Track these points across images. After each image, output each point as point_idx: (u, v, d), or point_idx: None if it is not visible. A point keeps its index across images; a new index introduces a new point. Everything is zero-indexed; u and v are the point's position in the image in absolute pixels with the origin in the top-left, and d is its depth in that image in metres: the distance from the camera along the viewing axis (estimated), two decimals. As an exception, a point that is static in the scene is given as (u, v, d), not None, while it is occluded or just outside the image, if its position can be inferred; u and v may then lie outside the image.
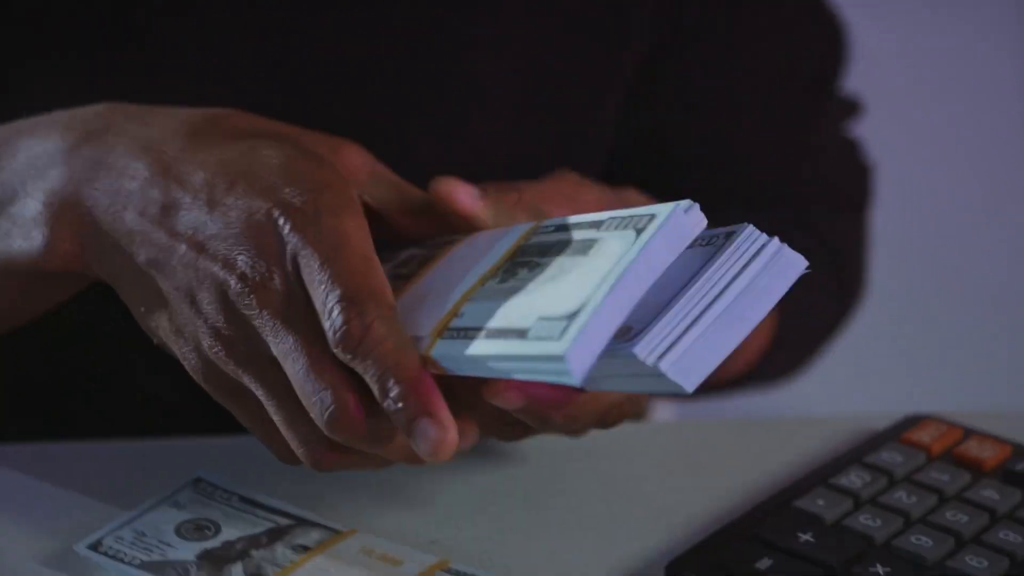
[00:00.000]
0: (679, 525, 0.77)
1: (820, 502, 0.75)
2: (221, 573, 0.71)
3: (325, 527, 0.74)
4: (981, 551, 0.71)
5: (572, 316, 0.62)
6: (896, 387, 1.98)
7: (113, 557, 0.73)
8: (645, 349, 0.62)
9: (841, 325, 1.11)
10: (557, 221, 0.69)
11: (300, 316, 0.67)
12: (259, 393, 0.69)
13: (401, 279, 0.72)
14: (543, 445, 0.84)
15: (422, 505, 0.79)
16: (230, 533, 0.74)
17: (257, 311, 0.68)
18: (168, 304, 0.71)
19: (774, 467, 0.81)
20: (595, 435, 0.83)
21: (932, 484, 0.76)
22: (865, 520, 0.73)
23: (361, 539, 0.74)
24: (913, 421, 0.82)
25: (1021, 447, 0.79)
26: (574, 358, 0.61)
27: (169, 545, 0.73)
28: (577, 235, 0.67)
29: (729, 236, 0.64)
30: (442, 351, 0.66)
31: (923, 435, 0.80)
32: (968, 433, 0.80)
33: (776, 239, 0.64)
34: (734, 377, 1.01)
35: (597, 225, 0.66)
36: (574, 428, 0.73)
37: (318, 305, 0.67)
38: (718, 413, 0.81)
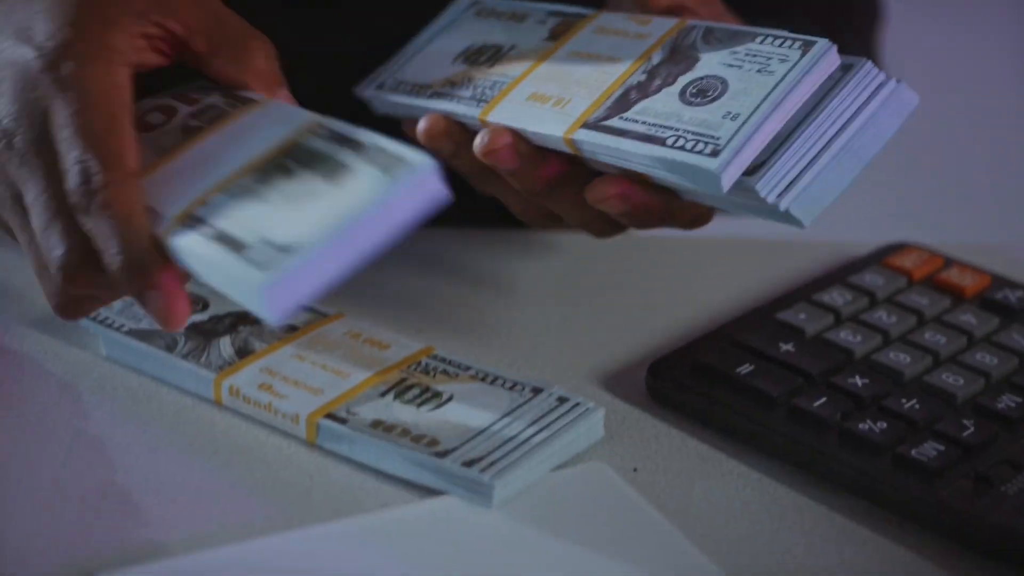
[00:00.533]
0: (662, 330, 0.78)
1: (802, 316, 0.76)
2: (209, 345, 0.72)
3: (312, 310, 0.75)
4: (958, 370, 0.72)
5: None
6: (878, 218, 1.99)
7: (102, 323, 0.73)
8: (766, 186, 0.66)
9: None
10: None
11: (45, 169, 0.66)
12: (18, 238, 0.69)
13: (191, 131, 0.69)
14: (528, 250, 0.84)
15: (408, 297, 0.80)
16: (219, 308, 0.75)
17: (7, 159, 0.67)
18: None
19: (757, 283, 0.82)
20: (580, 245, 0.84)
21: (912, 306, 0.77)
22: (845, 335, 0.75)
23: (348, 323, 0.74)
24: (895, 248, 0.83)
25: (1000, 277, 0.80)
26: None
27: None
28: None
29: (847, 69, 0.67)
30: None
31: (905, 260, 0.81)
32: (949, 262, 0.81)
33: (894, 79, 0.67)
34: None
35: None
36: (663, 226, 0.74)
37: (60, 162, 0.65)
38: (700, 231, 0.82)
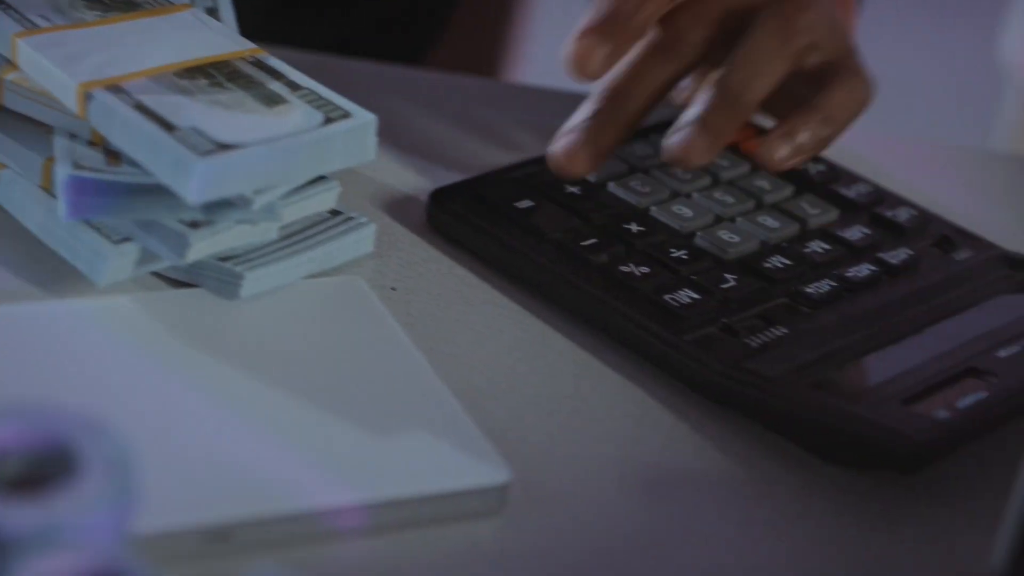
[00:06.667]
0: (448, 166, 0.78)
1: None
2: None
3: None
4: (736, 229, 0.73)
5: None
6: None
7: None
8: None
9: None
10: None
11: None
12: None
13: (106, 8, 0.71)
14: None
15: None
16: None
17: None
18: None
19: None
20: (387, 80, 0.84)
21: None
22: (635, 185, 0.75)
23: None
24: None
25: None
26: None
27: None
28: None
29: None
30: None
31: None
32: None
33: None
34: None
35: None
36: None
37: None
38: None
